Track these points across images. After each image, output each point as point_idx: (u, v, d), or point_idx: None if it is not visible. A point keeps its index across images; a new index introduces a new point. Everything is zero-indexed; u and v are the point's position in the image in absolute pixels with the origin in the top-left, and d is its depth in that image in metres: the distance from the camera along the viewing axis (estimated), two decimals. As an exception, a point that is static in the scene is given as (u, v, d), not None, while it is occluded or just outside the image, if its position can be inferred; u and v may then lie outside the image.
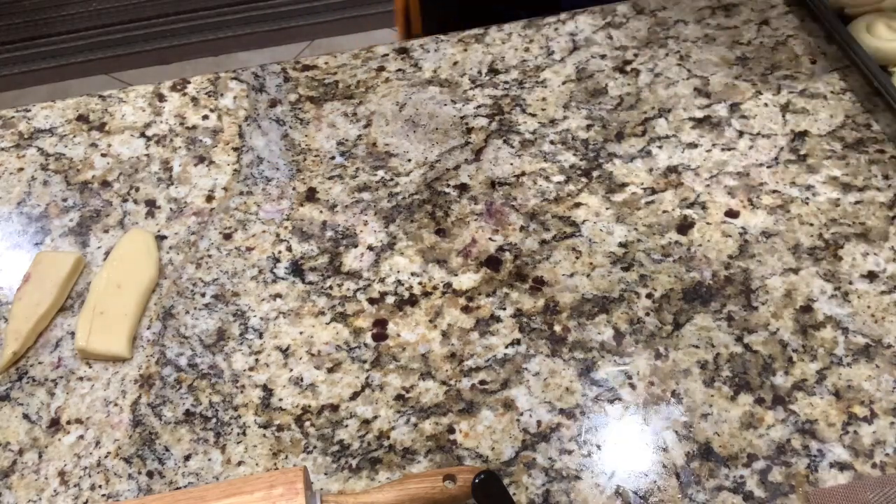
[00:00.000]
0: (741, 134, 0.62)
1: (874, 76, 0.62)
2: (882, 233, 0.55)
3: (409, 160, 0.62)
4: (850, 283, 0.53)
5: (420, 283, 0.54)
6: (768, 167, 0.59)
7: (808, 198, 0.57)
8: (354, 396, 0.49)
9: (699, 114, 0.63)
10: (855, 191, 0.58)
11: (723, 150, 0.61)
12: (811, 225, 0.56)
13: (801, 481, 0.45)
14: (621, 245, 0.56)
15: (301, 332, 0.53)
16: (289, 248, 0.57)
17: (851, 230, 0.55)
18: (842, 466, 0.45)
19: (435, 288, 0.54)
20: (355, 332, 0.52)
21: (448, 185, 0.60)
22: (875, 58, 0.63)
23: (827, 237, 0.55)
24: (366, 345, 0.52)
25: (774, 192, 0.58)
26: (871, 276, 0.53)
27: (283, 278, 0.56)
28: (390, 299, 0.54)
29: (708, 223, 0.57)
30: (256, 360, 0.52)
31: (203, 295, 0.55)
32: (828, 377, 0.49)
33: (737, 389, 0.48)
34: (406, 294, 0.54)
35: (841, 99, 0.64)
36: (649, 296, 0.53)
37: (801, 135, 0.61)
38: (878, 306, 0.51)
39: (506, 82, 0.67)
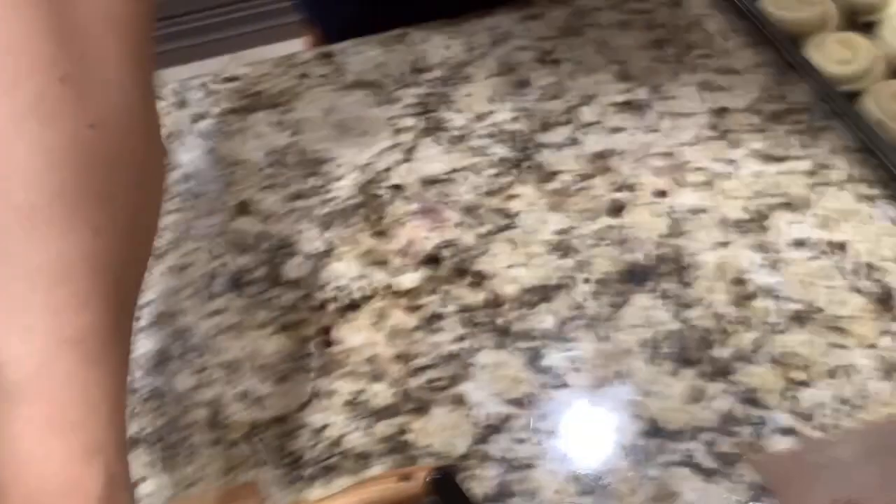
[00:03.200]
0: (663, 115, 0.63)
1: (785, 49, 0.64)
2: (805, 200, 0.57)
3: (341, 165, 0.62)
4: (779, 252, 0.54)
5: (361, 287, 0.54)
6: (691, 146, 0.61)
7: (731, 172, 0.59)
8: (304, 406, 0.49)
9: (621, 98, 0.65)
10: (776, 162, 0.60)
11: (647, 132, 0.62)
12: (737, 198, 0.58)
13: (747, 449, 0.46)
14: (557, 233, 0.57)
15: (245, 346, 0.52)
16: (225, 263, 0.56)
17: (776, 200, 0.57)
18: (785, 431, 0.46)
19: (376, 291, 0.54)
20: (300, 342, 0.52)
21: (381, 188, 0.60)
22: (787, 30, 0.65)
23: (753, 209, 0.57)
24: (312, 353, 0.51)
25: (699, 169, 0.59)
26: (799, 243, 0.55)
27: (222, 293, 0.55)
28: (333, 306, 0.54)
29: (638, 205, 0.58)
30: (201, 378, 0.51)
31: (139, 318, 0.54)
32: (765, 345, 0.50)
33: (679, 365, 0.49)
34: (348, 299, 0.54)
35: (756, 74, 0.66)
36: (588, 280, 0.54)
37: (721, 111, 0.63)
38: (807, 272, 0.53)
39: (430, 81, 0.67)
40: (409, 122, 0.64)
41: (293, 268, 0.56)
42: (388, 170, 0.61)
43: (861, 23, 0.66)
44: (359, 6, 0.77)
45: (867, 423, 0.46)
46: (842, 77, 0.62)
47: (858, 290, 0.52)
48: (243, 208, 0.59)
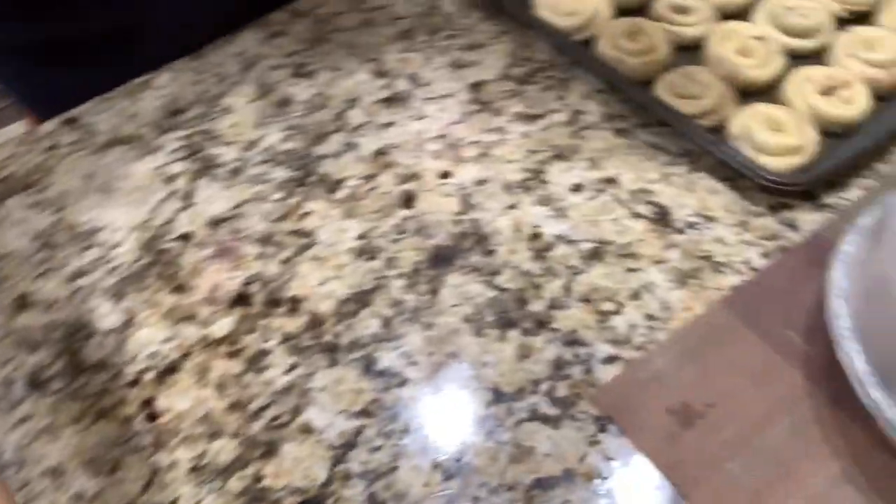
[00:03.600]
0: (426, 101, 0.65)
1: (518, 13, 0.68)
2: (572, 147, 0.61)
3: (118, 229, 0.58)
4: (562, 199, 0.58)
5: (174, 348, 0.52)
6: (460, 123, 0.63)
7: (502, 139, 0.62)
8: (147, 487, 0.46)
9: (384, 94, 0.66)
10: (539, 119, 0.63)
11: (416, 120, 0.64)
12: (513, 161, 0.60)
13: (582, 387, 0.49)
14: (358, 238, 0.57)
15: (64, 447, 0.48)
16: (18, 366, 0.52)
17: (547, 154, 0.61)
18: (610, 360, 0.50)
19: (192, 347, 0.52)
20: (124, 423, 0.49)
21: (168, 241, 0.57)
22: (514, -1, 0.69)
23: (530, 167, 0.60)
24: (140, 431, 0.48)
25: (473, 143, 0.62)
26: (577, 187, 0.59)
27: (23, 399, 0.50)
28: (149, 375, 0.51)
29: (427, 191, 0.59)
30: (26, 494, 0.46)
31: (-66, 454, 0.48)
32: (573, 288, 0.53)
33: (503, 329, 0.51)
34: (163, 364, 0.51)
35: (501, 42, 0.69)
36: (400, 275, 0.55)
37: (478, 85, 0.66)
38: (590, 212, 0.57)
39: (190, 120, 0.65)
40: (179, 167, 0.62)
41: (94, 350, 0.52)
42: (169, 221, 0.58)
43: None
44: (68, 76, 0.71)
45: (676, 331, 0.50)
46: (573, 27, 0.67)
47: (637, 215, 0.56)
48: (22, 303, 0.55)
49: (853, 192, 0.57)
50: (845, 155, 0.57)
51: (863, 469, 0.45)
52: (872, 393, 0.44)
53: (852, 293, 0.46)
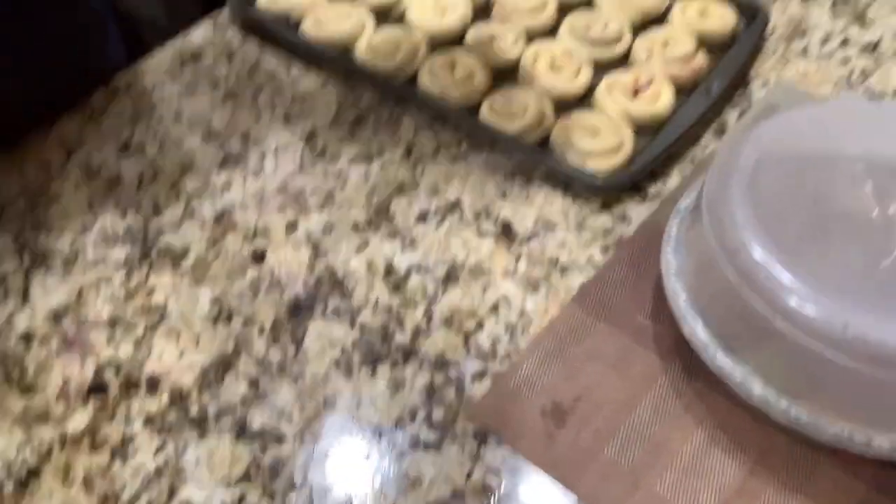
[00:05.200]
0: (263, 155, 0.65)
1: (339, 62, 0.69)
2: (412, 181, 0.63)
3: (-50, 340, 0.54)
4: (410, 231, 0.59)
5: (32, 452, 0.49)
6: (300, 173, 0.64)
7: (344, 182, 0.63)
8: None
9: (219, 156, 0.65)
10: (376, 157, 0.65)
11: (255, 177, 0.64)
12: (357, 202, 0.61)
13: (457, 406, 0.49)
14: (212, 303, 0.56)
15: (-81, 585, 0.44)
16: None
17: (389, 190, 0.62)
18: (480, 376, 0.51)
19: (51, 447, 0.49)
20: (-15, 545, 0.45)
21: (9, 343, 0.54)
22: (335, 45, 0.70)
23: (374, 206, 0.61)
24: (4, 549, 0.45)
25: (315, 190, 0.62)
26: (422, 217, 0.60)
27: None
28: (8, 487, 0.47)
29: (277, 244, 0.59)
30: None
31: None
32: (434, 313, 0.54)
33: (373, 366, 0.52)
34: (23, 472, 0.48)
35: (327, 90, 0.70)
36: (261, 331, 0.54)
37: (312, 134, 0.67)
38: (438, 238, 0.59)
39: (15, 215, 0.62)
40: (10, 265, 0.58)
41: (-59, 472, 0.48)
42: (8, 322, 0.55)
43: (394, 17, 0.74)
44: None
45: (536, 336, 0.52)
46: (394, 68, 0.69)
47: (483, 234, 0.59)
48: None
49: (673, 180, 0.61)
50: (660, 148, 0.61)
51: (726, 431, 0.48)
52: (719, 359, 0.47)
53: (684, 270, 0.50)
